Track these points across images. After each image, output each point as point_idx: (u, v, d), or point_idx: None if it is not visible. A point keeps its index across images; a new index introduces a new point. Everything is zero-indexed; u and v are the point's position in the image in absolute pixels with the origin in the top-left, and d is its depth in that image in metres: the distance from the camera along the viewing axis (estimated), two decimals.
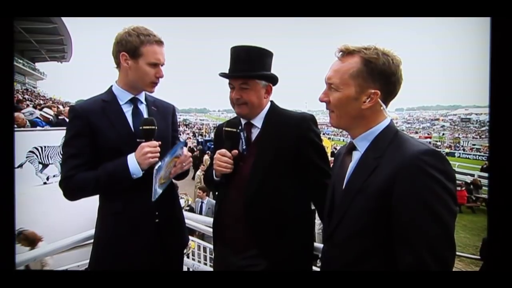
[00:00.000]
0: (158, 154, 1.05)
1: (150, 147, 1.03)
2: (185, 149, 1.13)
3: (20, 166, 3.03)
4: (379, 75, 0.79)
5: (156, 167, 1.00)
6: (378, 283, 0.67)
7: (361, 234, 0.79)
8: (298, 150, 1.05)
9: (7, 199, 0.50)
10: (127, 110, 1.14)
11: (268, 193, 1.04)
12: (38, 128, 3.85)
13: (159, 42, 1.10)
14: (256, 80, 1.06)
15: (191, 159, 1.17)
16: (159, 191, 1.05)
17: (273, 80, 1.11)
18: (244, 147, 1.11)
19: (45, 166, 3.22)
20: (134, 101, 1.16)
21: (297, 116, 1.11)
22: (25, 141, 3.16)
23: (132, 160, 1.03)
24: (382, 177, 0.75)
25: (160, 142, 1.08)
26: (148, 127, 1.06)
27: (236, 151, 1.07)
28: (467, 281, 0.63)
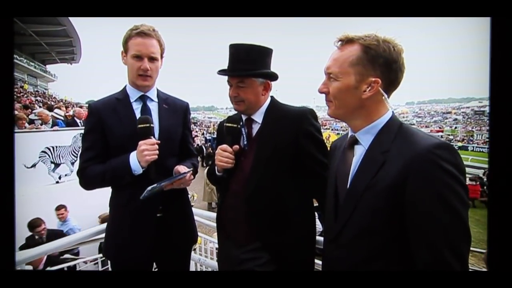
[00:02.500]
0: (156, 152, 1.06)
1: (146, 145, 1.04)
2: (189, 174, 1.13)
3: (33, 166, 3.13)
4: (379, 62, 0.75)
5: (150, 188, 1.00)
6: (385, 282, 0.64)
7: (371, 233, 0.75)
8: (298, 144, 1.05)
9: (7, 199, 0.50)
10: (137, 108, 1.16)
11: (268, 187, 1.05)
12: (48, 128, 3.95)
13: (142, 34, 1.08)
14: (253, 78, 1.06)
15: (191, 181, 1.19)
16: (148, 195, 1.07)
17: (271, 77, 1.11)
18: (245, 142, 1.12)
19: (57, 165, 3.30)
20: (143, 99, 1.17)
21: (297, 111, 1.10)
22: (37, 142, 3.25)
23: (133, 158, 1.06)
24: (392, 173, 0.71)
25: (159, 141, 1.10)
26: (143, 125, 1.07)
27: (237, 146, 1.08)
28: (476, 279, 0.61)
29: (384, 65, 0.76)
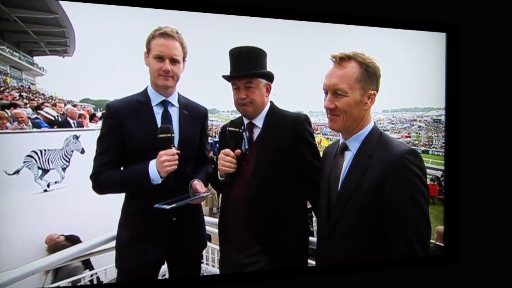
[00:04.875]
0: (176, 162, 1.00)
1: (167, 155, 0.98)
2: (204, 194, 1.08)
3: (17, 172, 2.60)
4: (374, 76, 0.84)
5: (168, 207, 0.94)
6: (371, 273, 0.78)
7: (357, 230, 0.81)
8: (294, 149, 1.04)
9: None
10: (158, 112, 1.08)
11: (268, 191, 1.02)
12: (35, 129, 3.38)
13: (165, 35, 1.01)
14: (259, 78, 1.04)
15: (205, 199, 1.14)
16: (161, 208, 1.01)
17: (272, 78, 1.09)
18: (246, 146, 1.08)
19: (45, 171, 2.77)
20: (164, 104, 1.09)
21: (293, 116, 1.08)
22: (22, 145, 2.72)
23: (152, 167, 0.99)
24: (375, 175, 0.78)
25: (179, 151, 1.02)
26: (164, 135, 1.00)
27: (239, 150, 1.04)
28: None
29: (376, 79, 0.85)
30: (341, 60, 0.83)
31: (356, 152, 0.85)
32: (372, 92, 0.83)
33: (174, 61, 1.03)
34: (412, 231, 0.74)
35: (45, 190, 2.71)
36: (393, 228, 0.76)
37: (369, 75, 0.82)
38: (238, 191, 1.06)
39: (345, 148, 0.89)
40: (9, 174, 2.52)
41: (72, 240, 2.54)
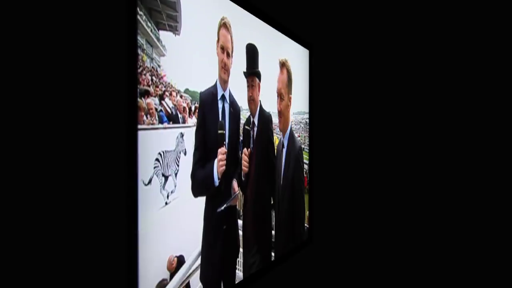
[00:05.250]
0: (225, 162, 0.86)
1: (220, 154, 0.85)
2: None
3: (150, 182, 2.10)
4: (292, 82, 0.89)
5: (222, 208, 0.86)
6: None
7: (291, 216, 0.88)
8: (267, 148, 0.98)
9: (130, 228, 0.33)
10: (219, 107, 0.95)
11: (263, 190, 0.97)
12: (161, 125, 2.95)
13: (225, 26, 0.90)
14: (256, 77, 0.97)
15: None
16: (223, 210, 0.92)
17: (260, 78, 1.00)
18: (251, 145, 1.00)
19: (166, 179, 2.22)
20: (223, 98, 0.94)
21: (267, 115, 1.01)
22: (154, 144, 2.18)
23: (215, 167, 0.87)
24: (291, 167, 0.87)
25: (225, 150, 0.89)
26: (221, 131, 0.87)
27: (249, 149, 0.96)
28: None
29: (292, 84, 0.90)
30: (282, 66, 0.85)
31: (286, 148, 0.89)
32: (291, 96, 0.87)
33: (228, 54, 0.90)
34: (302, 218, 0.86)
35: (166, 203, 2.24)
36: (296, 215, 0.85)
37: (290, 81, 0.87)
38: (249, 191, 0.98)
39: (283, 145, 0.92)
40: (145, 185, 2.05)
41: (181, 261, 2.14)
